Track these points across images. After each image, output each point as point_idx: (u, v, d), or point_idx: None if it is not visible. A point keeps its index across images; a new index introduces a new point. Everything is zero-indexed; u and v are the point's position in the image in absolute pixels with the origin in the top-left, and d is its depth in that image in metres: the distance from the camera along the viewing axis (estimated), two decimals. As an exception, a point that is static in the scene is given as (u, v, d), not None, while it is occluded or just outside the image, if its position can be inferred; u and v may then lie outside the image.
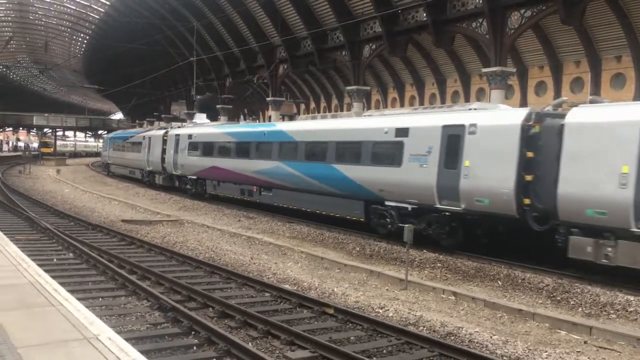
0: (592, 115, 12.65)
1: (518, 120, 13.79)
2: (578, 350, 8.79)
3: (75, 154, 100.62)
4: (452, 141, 15.01)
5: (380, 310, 10.55)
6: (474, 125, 14.60)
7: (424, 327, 9.62)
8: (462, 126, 14.85)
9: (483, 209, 14.20)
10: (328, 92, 51.57)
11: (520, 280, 12.62)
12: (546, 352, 8.49)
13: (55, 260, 13.96)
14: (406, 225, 13.23)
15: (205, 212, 24.81)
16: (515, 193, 13.41)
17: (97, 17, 64.62)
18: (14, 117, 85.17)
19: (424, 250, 15.57)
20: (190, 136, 30.07)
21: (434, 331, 9.39)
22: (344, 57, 34.47)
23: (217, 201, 27.06)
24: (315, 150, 20.11)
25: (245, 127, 28.91)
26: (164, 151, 33.07)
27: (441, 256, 14.95)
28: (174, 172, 31.74)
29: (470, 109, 15.86)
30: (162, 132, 34.55)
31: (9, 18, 75.30)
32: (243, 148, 24.84)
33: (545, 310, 10.77)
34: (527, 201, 13.42)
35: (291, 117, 54.22)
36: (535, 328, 9.97)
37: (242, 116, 68.16)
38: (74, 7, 65.94)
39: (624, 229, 11.53)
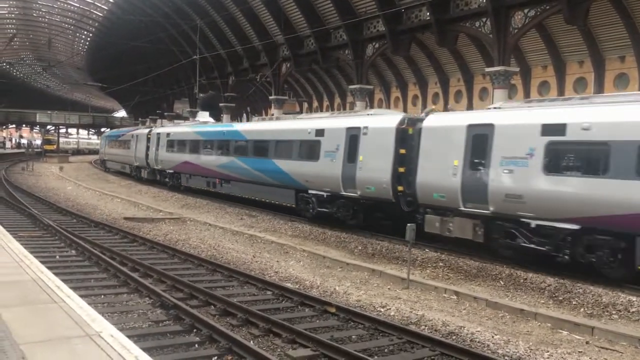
0: (439, 121, 16.22)
1: (394, 124, 17.21)
2: (580, 350, 8.78)
3: (78, 152, 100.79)
4: (352, 140, 18.47)
5: (382, 309, 10.55)
6: (366, 127, 18.06)
7: (425, 326, 9.62)
8: (359, 128, 18.28)
9: (371, 194, 17.70)
10: (331, 90, 51.54)
11: (522, 280, 12.60)
12: (548, 352, 8.48)
13: (57, 257, 13.99)
14: (408, 225, 13.23)
15: (208, 210, 24.83)
16: (391, 182, 16.87)
17: (101, 14, 64.69)
18: (17, 114, 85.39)
19: (426, 250, 15.57)
20: (168, 134, 33.56)
21: (435, 330, 9.39)
22: (347, 55, 34.45)
23: (219, 199, 27.11)
24: (261, 148, 23.47)
25: (210, 127, 32.73)
26: (147, 148, 36.46)
27: (443, 255, 14.95)
28: (156, 167, 35.25)
29: (368, 114, 19.35)
30: (146, 130, 38.46)
31: (13, 15, 75.39)
32: (208, 145, 28.33)
33: (547, 310, 10.76)
34: (400, 188, 16.82)
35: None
36: (537, 328, 9.97)
37: (244, 114, 68.19)
38: (78, 5, 66.00)
39: (456, 208, 14.96)
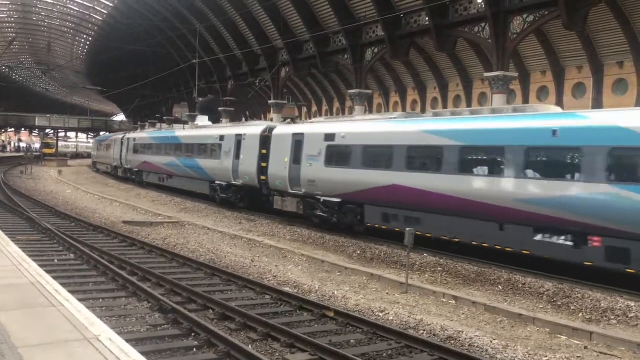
0: (281, 130, 22.63)
1: (259, 131, 23.79)
2: (578, 355, 8.78)
3: (77, 155, 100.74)
4: (238, 144, 24.99)
5: (381, 314, 10.55)
6: (244, 134, 24.83)
7: (424, 330, 9.61)
8: (241, 135, 25.02)
9: (247, 183, 24.40)
10: (330, 95, 51.58)
11: (520, 285, 12.61)
12: (546, 357, 8.48)
13: (56, 261, 13.99)
14: (407, 229, 13.25)
15: (207, 214, 24.83)
16: (256, 174, 23.38)
17: (100, 18, 64.73)
18: (16, 118, 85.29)
19: (425, 255, 15.57)
20: (134, 139, 40.51)
21: (434, 335, 9.39)
22: (346, 60, 34.50)
23: (217, 204, 27.12)
24: (189, 149, 30.28)
25: (160, 133, 38.96)
26: (121, 150, 43.33)
27: (442, 260, 14.95)
28: (126, 167, 42.34)
29: (248, 125, 26.71)
30: (121, 135, 45.71)
31: (12, 19, 75.43)
32: (158, 148, 35.01)
33: (546, 315, 10.76)
34: (263, 178, 22.96)
35: (293, 120, 54.31)
36: (535, 333, 9.97)
37: (243, 119, 68.20)
38: (77, 9, 66.05)
39: (286, 191, 21.11)
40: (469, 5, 26.10)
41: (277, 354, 8.21)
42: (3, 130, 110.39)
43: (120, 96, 68.93)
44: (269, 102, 43.70)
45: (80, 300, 7.70)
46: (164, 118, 67.38)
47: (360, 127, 18.74)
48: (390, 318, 10.32)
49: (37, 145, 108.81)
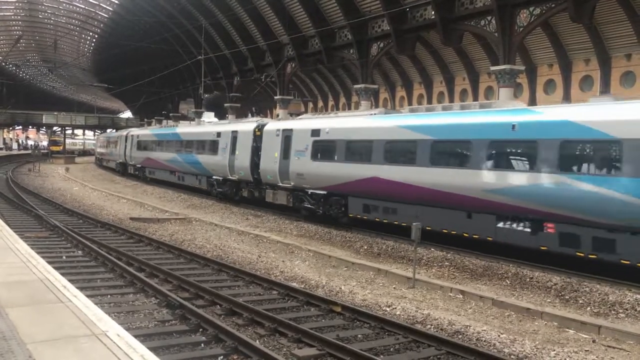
0: (271, 126, 23.46)
1: (252, 128, 24.54)
2: (586, 349, 8.75)
3: (84, 152, 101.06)
4: (234, 140, 25.81)
5: (388, 309, 10.54)
6: (239, 131, 25.66)
7: (431, 325, 9.60)
8: (237, 131, 25.78)
9: (242, 177, 25.21)
10: (336, 90, 51.53)
11: (528, 279, 12.57)
12: (554, 350, 8.45)
13: (64, 257, 14.05)
14: (414, 224, 13.23)
15: (213, 210, 24.88)
16: (250, 168, 24.23)
17: (106, 15, 64.88)
18: (23, 116, 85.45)
19: (432, 249, 15.55)
20: (138, 136, 41.26)
21: (441, 329, 9.37)
22: (352, 55, 34.44)
23: (225, 200, 27.16)
24: (189, 146, 31.00)
25: (162, 130, 38.99)
26: (125, 147, 43.91)
27: (449, 255, 14.92)
28: (130, 163, 43.23)
29: (243, 122, 27.51)
30: (125, 132, 45.94)
31: (19, 17, 75.71)
32: (160, 145, 35.92)
33: (554, 309, 10.73)
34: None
35: (298, 115, 54.13)
36: (543, 327, 9.94)
37: (249, 115, 68.23)
38: (83, 6, 66.22)
39: (276, 184, 22.28)
40: (475, -2, 26.00)
41: (285, 349, 8.21)
42: (10, 128, 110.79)
43: (127, 93, 69.18)
44: (275, 97, 43.72)
45: (88, 296, 7.73)
46: (170, 114, 67.50)
47: (343, 123, 19.66)
48: (398, 313, 10.31)
49: (44, 143, 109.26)
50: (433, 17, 27.70)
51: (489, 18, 25.24)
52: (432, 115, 16.84)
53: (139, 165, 40.47)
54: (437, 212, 15.58)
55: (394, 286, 12.59)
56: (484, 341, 8.80)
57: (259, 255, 15.34)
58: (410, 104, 43.47)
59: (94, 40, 77.91)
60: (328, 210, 19.83)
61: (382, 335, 9.01)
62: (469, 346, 8.25)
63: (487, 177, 14.28)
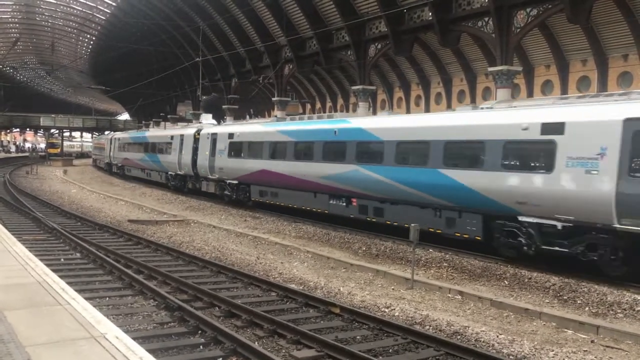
0: (205, 130, 29.18)
1: (193, 132, 30.42)
2: (585, 349, 8.76)
3: (82, 155, 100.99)
4: (181, 142, 31.61)
5: (386, 310, 10.54)
6: (185, 135, 31.48)
7: (430, 326, 9.61)
8: (182, 135, 31.77)
9: (187, 172, 31.03)
10: (334, 91, 51.54)
11: (526, 280, 12.58)
12: (553, 351, 8.46)
13: (62, 260, 14.03)
14: (412, 225, 13.25)
15: (212, 212, 24.88)
16: (191, 165, 29.90)
17: (104, 18, 64.79)
18: (20, 118, 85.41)
19: (430, 250, 15.56)
20: (119, 139, 47.60)
21: (440, 330, 9.38)
22: (349, 56, 34.47)
23: (223, 202, 27.17)
24: (153, 147, 36.79)
25: (135, 134, 45.65)
26: (110, 149, 50.52)
27: (447, 255, 14.94)
28: (113, 162, 49.62)
29: (189, 127, 34.01)
30: (110, 136, 53.64)
31: (16, 20, 75.56)
32: (135, 146, 41.49)
33: (552, 309, 10.74)
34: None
35: (298, 116, 54.03)
36: (541, 327, 9.95)
37: (247, 116, 68.21)
38: (80, 8, 66.12)
39: (207, 177, 28.41)
40: (472, -1, 26.03)
41: (284, 351, 8.21)
42: (8, 131, 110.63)
43: (124, 95, 69.07)
44: (273, 99, 43.72)
45: (86, 298, 7.72)
46: (168, 116, 67.47)
47: (247, 128, 25.73)
48: (396, 314, 10.31)
49: (42, 145, 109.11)
50: (430, 18, 27.72)
51: (486, 19, 25.27)
52: (296, 123, 23.27)
53: (120, 165, 46.88)
54: (301, 194, 21.19)
55: (392, 287, 12.60)
56: (483, 342, 8.81)
57: (258, 257, 15.34)
58: (408, 105, 43.52)
59: (92, 42, 77.78)
60: (239, 195, 25.71)
61: (380, 336, 9.01)
62: (467, 347, 8.26)
63: (322, 168, 19.72)
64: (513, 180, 13.39)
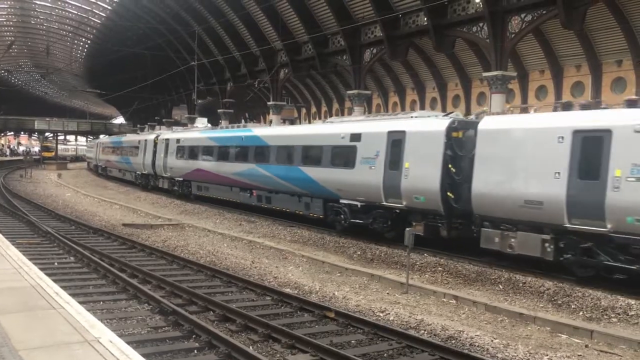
0: (162, 136, 34.26)
1: (153, 137, 35.22)
2: (579, 354, 8.79)
3: (76, 158, 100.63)
4: (144, 146, 36.30)
5: (381, 314, 10.55)
6: (146, 139, 36.54)
7: (424, 330, 9.62)
8: (145, 140, 36.47)
9: (149, 172, 35.84)
10: (329, 96, 51.59)
11: (521, 284, 12.61)
12: (547, 355, 8.48)
13: (56, 263, 13.98)
14: (407, 229, 13.29)
15: (207, 216, 24.83)
16: (151, 165, 34.94)
17: (99, 21, 64.75)
18: (15, 121, 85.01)
19: (425, 255, 15.57)
20: (102, 143, 53.67)
21: (435, 335, 9.39)
22: (344, 61, 34.53)
23: (217, 205, 27.13)
24: (126, 150, 41.93)
25: (114, 138, 51.20)
26: (97, 152, 55.79)
27: (442, 260, 14.95)
28: (99, 164, 54.27)
29: (151, 134, 39.08)
30: (96, 141, 60.79)
31: (11, 23, 75.44)
32: (114, 149, 46.79)
33: (546, 314, 10.77)
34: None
35: (292, 122, 54.28)
36: (536, 332, 9.97)
37: (242, 120, 68.18)
38: (76, 12, 66.05)
39: (163, 175, 33.38)
40: (467, 5, 26.13)
41: (278, 355, 8.21)
42: (2, 134, 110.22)
43: (120, 99, 68.96)
44: (268, 103, 43.73)
45: (80, 302, 7.70)
46: (163, 120, 67.37)
47: (189, 135, 31.54)
48: (391, 318, 10.32)
49: (36, 149, 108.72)
50: (425, 23, 27.82)
51: (481, 24, 25.38)
52: (221, 130, 28.88)
53: (103, 166, 52.04)
54: (223, 188, 26.17)
55: (387, 292, 12.60)
56: (477, 346, 8.82)
57: (253, 261, 15.32)
58: (403, 109, 43.55)
59: (87, 46, 77.69)
60: (184, 190, 30.55)
61: (375, 340, 9.02)
62: (462, 351, 8.28)
63: (234, 167, 24.65)
64: (336, 174, 18.55)
